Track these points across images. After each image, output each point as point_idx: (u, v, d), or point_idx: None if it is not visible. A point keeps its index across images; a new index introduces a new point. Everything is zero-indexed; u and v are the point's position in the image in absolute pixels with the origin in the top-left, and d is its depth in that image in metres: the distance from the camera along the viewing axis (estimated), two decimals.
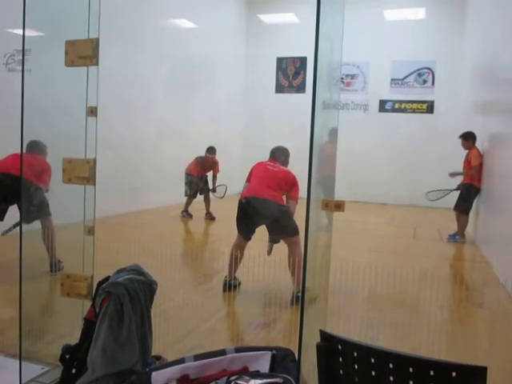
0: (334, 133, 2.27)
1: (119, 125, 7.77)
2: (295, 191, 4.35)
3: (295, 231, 4.15)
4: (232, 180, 8.67)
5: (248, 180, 4.55)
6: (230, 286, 4.28)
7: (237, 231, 4.42)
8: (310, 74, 1.80)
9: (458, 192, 7.37)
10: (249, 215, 4.30)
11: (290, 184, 4.35)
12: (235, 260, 4.29)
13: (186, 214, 8.71)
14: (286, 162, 4.65)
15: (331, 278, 2.35)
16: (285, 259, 4.10)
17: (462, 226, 7.23)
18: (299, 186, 4.31)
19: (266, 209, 4.21)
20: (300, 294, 3.76)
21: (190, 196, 8.71)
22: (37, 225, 4.12)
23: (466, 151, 7.35)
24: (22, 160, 2.69)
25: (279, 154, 4.64)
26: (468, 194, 7.13)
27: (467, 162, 7.25)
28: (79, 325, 2.35)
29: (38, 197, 3.92)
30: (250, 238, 4.41)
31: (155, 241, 5.55)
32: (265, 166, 4.54)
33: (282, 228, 4.27)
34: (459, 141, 7.35)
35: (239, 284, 4.37)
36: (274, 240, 4.38)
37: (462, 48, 11.14)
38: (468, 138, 7.24)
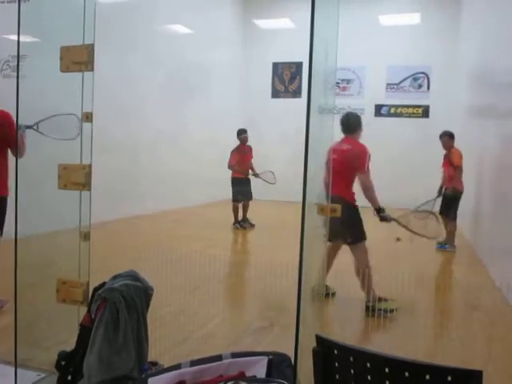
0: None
1: (115, 130, 7.76)
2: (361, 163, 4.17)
3: (356, 237, 4.07)
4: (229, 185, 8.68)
5: None
6: (328, 294, 4.06)
7: None
8: (306, 79, 1.81)
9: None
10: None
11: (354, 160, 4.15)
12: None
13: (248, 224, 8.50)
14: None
15: (328, 283, 2.35)
16: (282, 263, 4.06)
17: (452, 232, 6.94)
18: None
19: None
20: (370, 304, 3.78)
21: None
22: (32, 231, 4.06)
23: (444, 153, 7.10)
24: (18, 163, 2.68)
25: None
26: (455, 198, 6.82)
27: (448, 163, 6.94)
28: (75, 331, 2.33)
29: None
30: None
31: (152, 246, 5.53)
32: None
33: (343, 230, 3.93)
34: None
35: (333, 294, 4.19)
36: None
37: (457, 53, 11.20)
38: (452, 137, 6.99)
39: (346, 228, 3.97)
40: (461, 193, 6.89)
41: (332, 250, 4.22)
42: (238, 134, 8.60)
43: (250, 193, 8.59)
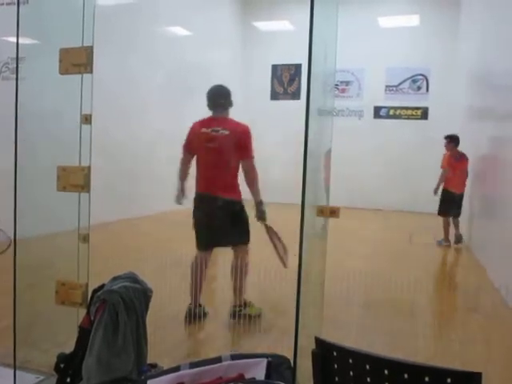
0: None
1: (116, 131, 7.77)
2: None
3: (246, 238, 3.63)
4: None
5: None
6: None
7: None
8: (305, 81, 1.81)
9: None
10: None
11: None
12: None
13: None
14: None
15: (327, 284, 2.35)
16: (281, 265, 4.04)
17: (443, 228, 7.37)
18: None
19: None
20: (237, 309, 3.63)
21: None
22: (31, 233, 4.06)
23: None
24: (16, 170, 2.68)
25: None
26: (442, 198, 7.37)
27: None
28: (74, 333, 2.33)
29: None
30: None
31: (152, 247, 5.53)
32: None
33: (232, 233, 3.60)
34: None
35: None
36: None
37: (457, 54, 11.20)
38: (451, 141, 7.29)
39: (237, 230, 3.64)
40: (452, 193, 7.22)
41: (206, 260, 3.73)
42: None
43: None
